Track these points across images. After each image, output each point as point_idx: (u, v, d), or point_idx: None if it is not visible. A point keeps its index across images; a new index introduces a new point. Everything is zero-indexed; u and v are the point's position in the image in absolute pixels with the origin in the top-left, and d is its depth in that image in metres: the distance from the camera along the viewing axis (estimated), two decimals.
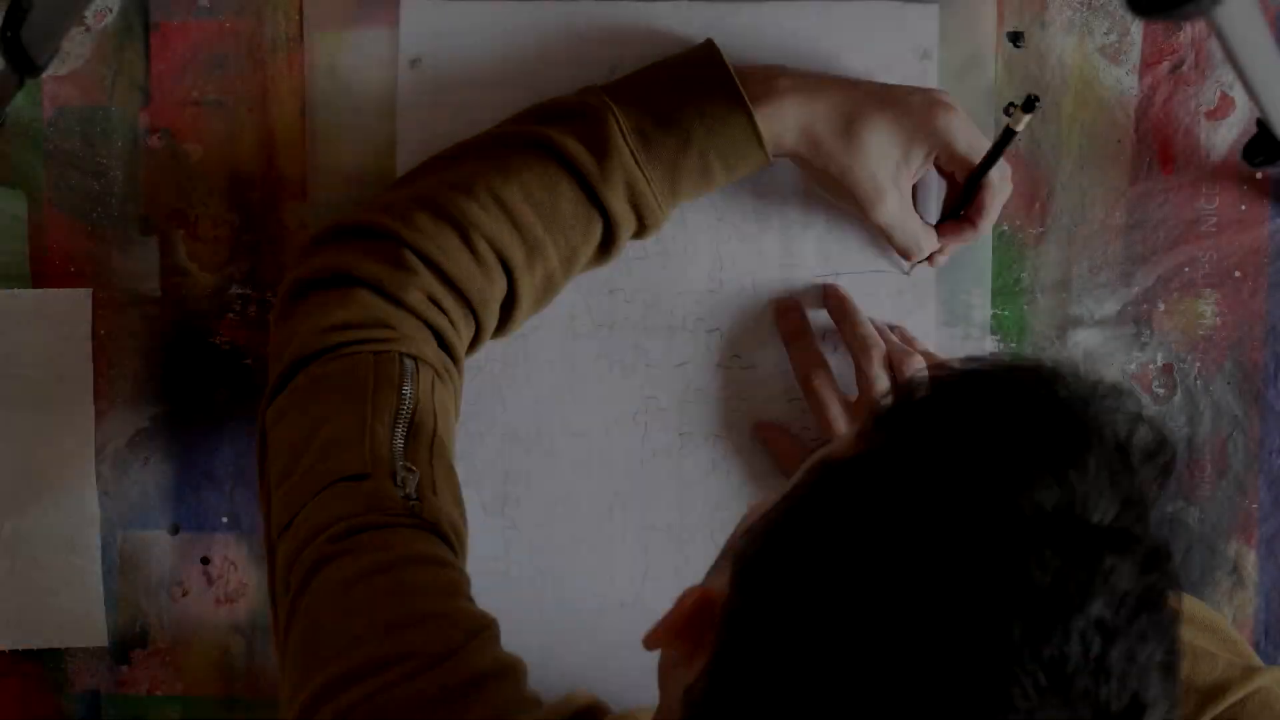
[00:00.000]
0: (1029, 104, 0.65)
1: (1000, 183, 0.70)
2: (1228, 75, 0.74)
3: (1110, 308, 0.75)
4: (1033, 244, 0.75)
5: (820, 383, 0.72)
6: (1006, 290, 0.75)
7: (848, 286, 0.75)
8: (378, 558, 0.56)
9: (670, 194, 0.67)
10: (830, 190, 0.70)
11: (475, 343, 0.68)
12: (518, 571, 0.76)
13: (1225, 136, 0.75)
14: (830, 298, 0.74)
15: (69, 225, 0.76)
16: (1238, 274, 0.75)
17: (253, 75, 0.75)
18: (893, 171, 0.67)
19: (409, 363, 0.62)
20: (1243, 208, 0.75)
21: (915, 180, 0.70)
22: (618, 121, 0.65)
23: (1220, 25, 0.50)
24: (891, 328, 0.74)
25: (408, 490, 0.58)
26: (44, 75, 0.71)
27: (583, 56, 0.74)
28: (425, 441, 0.61)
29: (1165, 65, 0.74)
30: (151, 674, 0.77)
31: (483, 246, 0.64)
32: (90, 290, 0.76)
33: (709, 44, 0.68)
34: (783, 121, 0.66)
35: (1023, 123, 0.66)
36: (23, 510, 0.76)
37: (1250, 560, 0.76)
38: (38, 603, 0.77)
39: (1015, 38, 0.74)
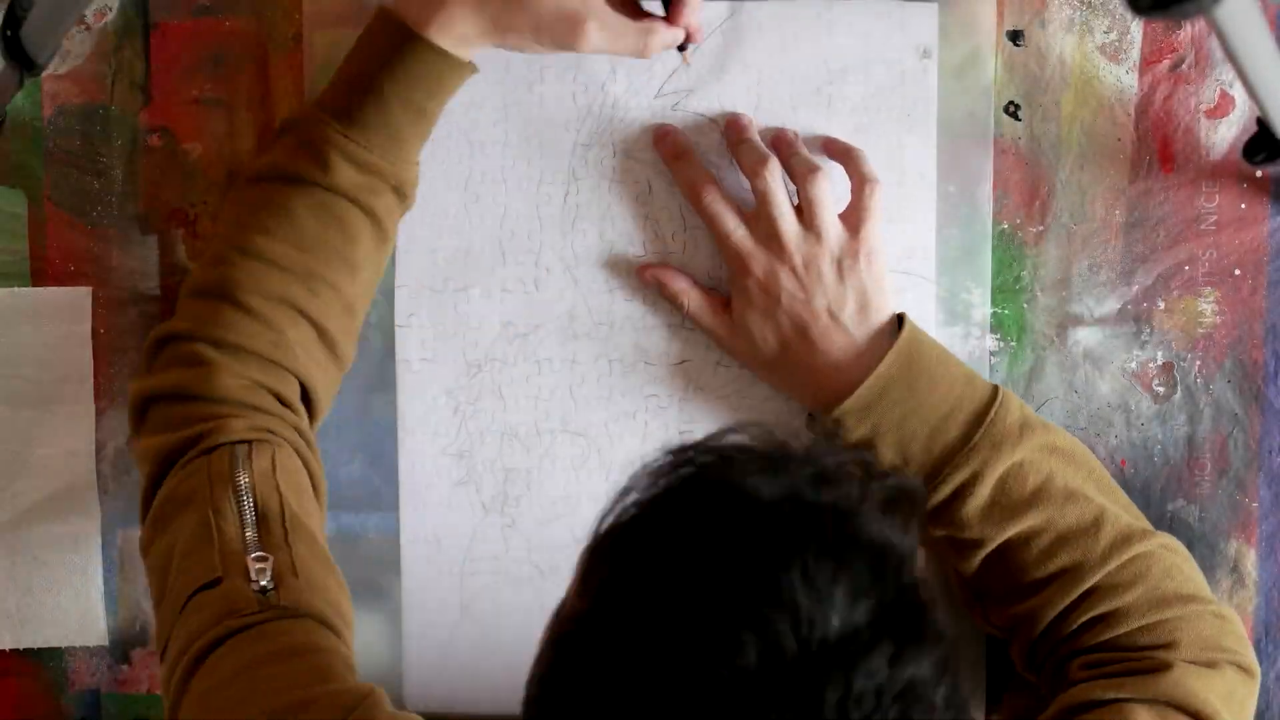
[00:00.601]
0: None
1: None
2: (1228, 74, 0.74)
3: (1110, 306, 0.75)
4: (1032, 242, 0.75)
5: (711, 198, 0.71)
6: (1006, 289, 0.75)
7: None
8: (235, 664, 0.56)
9: (398, 149, 0.67)
10: (547, 49, 0.68)
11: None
12: (517, 571, 0.76)
13: (1225, 135, 0.75)
14: (726, 126, 0.73)
15: (69, 224, 0.76)
16: (1237, 272, 0.75)
17: (253, 75, 0.75)
18: None
19: (239, 449, 0.62)
20: (1243, 206, 0.75)
21: None
22: (319, 116, 0.66)
23: (1220, 24, 0.50)
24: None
25: (262, 582, 0.58)
26: (44, 74, 0.72)
27: (583, 56, 0.74)
28: (276, 523, 0.61)
29: (1165, 64, 0.74)
30: (151, 673, 0.77)
31: (255, 302, 0.65)
32: (90, 289, 0.76)
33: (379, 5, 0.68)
34: (457, 25, 0.65)
35: None
36: (23, 509, 0.76)
37: (1250, 559, 0.76)
38: (38, 602, 0.77)
39: (1015, 36, 0.74)
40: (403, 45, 0.65)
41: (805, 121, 0.74)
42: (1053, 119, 0.75)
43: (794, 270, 0.69)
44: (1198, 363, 0.75)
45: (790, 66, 0.74)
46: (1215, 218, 0.75)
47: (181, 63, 0.75)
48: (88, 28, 0.75)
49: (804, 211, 0.70)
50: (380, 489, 0.76)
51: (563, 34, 0.66)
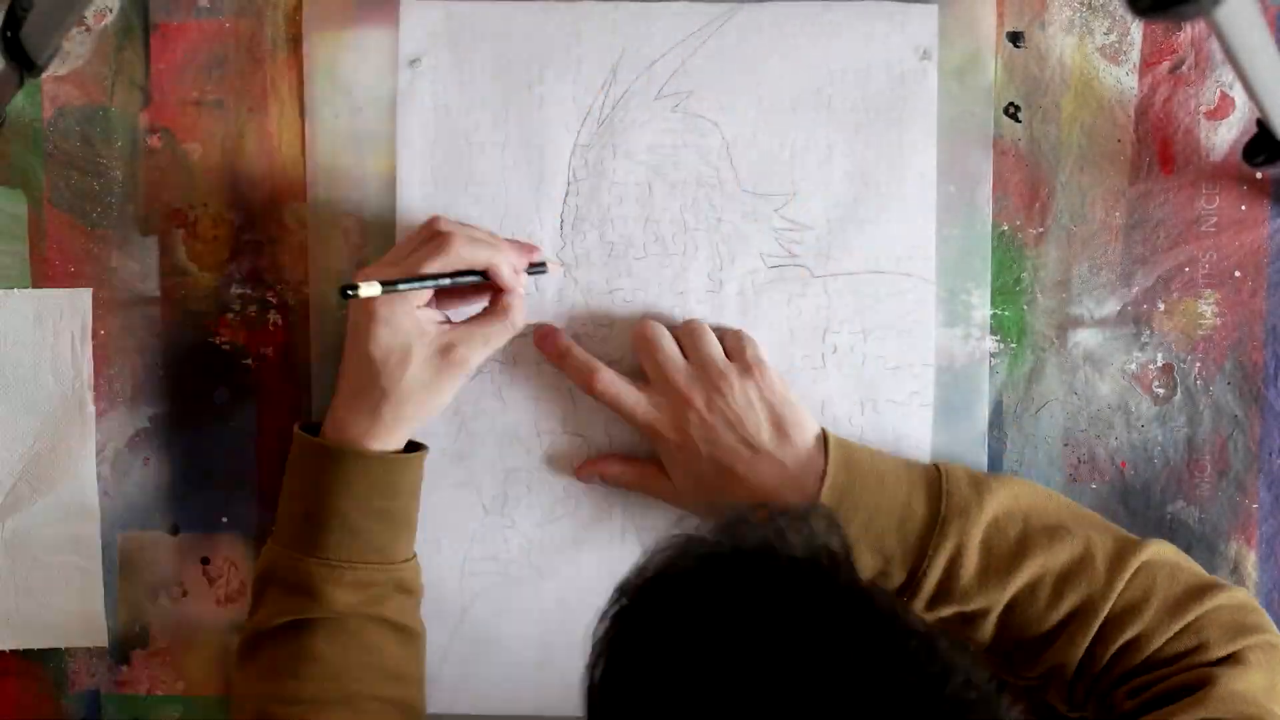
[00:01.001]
0: (345, 293, 0.65)
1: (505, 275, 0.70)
2: (1228, 75, 0.74)
3: (1110, 308, 0.75)
4: (1033, 244, 0.75)
5: (604, 382, 0.72)
6: (1006, 290, 0.75)
7: (847, 286, 0.75)
8: None
9: (382, 554, 0.69)
10: (451, 390, 0.70)
11: None
12: (517, 571, 0.76)
13: (1225, 136, 0.75)
14: (634, 336, 0.74)
15: (69, 225, 0.76)
16: (1238, 274, 0.75)
17: (253, 75, 0.75)
18: (425, 347, 0.68)
19: None
20: (1243, 208, 0.75)
21: (433, 320, 0.69)
22: (293, 552, 0.68)
23: (1220, 25, 0.50)
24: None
25: None
26: (44, 75, 0.72)
27: (583, 56, 0.75)
28: None
29: (1165, 65, 0.74)
30: (151, 674, 0.78)
31: None
32: (90, 290, 0.76)
33: (295, 432, 0.70)
34: (378, 431, 0.68)
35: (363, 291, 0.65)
36: (23, 510, 0.76)
37: (1250, 561, 0.76)
38: (38, 603, 0.77)
39: (1015, 38, 0.74)
40: (342, 464, 0.67)
41: (805, 121, 0.74)
42: (1053, 120, 0.75)
43: (701, 417, 0.70)
44: (1198, 364, 0.75)
45: (790, 67, 0.74)
46: (1215, 219, 0.75)
47: (181, 63, 0.75)
48: (88, 29, 0.75)
49: (689, 355, 0.71)
50: None
51: (447, 376, 0.69)
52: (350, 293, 0.64)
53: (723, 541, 0.47)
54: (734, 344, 0.72)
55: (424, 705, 0.72)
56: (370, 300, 0.67)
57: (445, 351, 0.68)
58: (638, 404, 0.71)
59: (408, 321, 0.67)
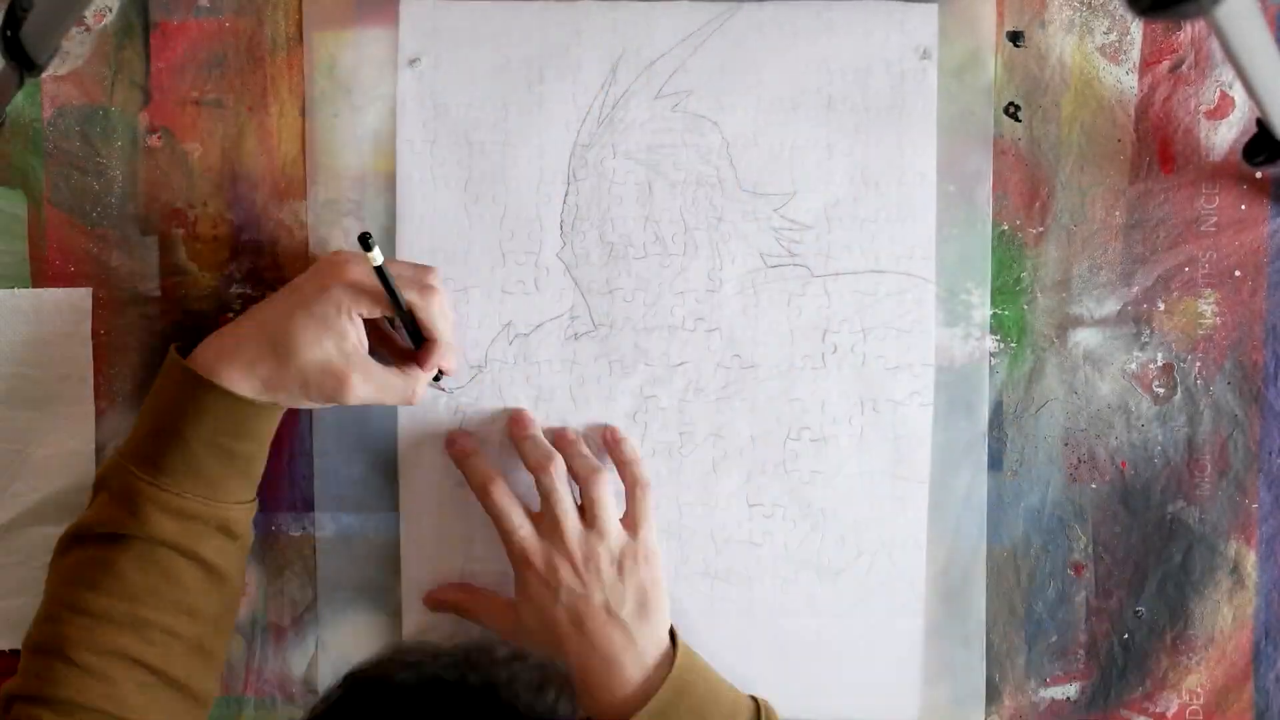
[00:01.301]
0: (365, 242, 0.65)
1: (431, 311, 0.70)
2: (1228, 75, 0.74)
3: (1110, 307, 0.75)
4: (1033, 244, 0.75)
5: (498, 494, 0.72)
6: (1006, 290, 0.75)
7: (847, 286, 0.75)
8: None
9: (214, 491, 0.68)
10: (317, 404, 0.70)
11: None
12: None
13: (1225, 136, 0.75)
14: (510, 422, 0.75)
15: (69, 225, 0.76)
16: (1238, 274, 0.75)
17: (253, 75, 0.75)
18: (335, 353, 0.68)
19: None
20: (1243, 207, 0.75)
21: (359, 340, 0.69)
22: (127, 463, 0.68)
23: (1220, 25, 0.50)
24: (611, 439, 0.75)
25: None
26: (44, 75, 0.72)
27: (583, 56, 0.75)
28: None
29: (1165, 65, 0.74)
30: None
31: (86, 657, 0.65)
32: (90, 290, 0.76)
33: (170, 351, 0.70)
34: (238, 380, 0.68)
35: (377, 256, 0.65)
36: (23, 510, 0.76)
37: (1250, 561, 0.76)
38: (38, 603, 0.76)
39: (1015, 37, 0.74)
40: (198, 392, 0.67)
41: (805, 121, 0.74)
42: (1053, 120, 0.75)
43: (574, 565, 0.70)
44: (1198, 364, 0.75)
45: (790, 66, 0.74)
46: (1215, 219, 0.75)
47: (181, 63, 0.75)
48: (88, 28, 0.75)
49: (586, 511, 0.71)
50: (380, 489, 0.76)
51: (330, 390, 0.68)
52: (369, 241, 0.64)
53: (451, 667, 0.48)
54: (632, 506, 0.73)
55: (222, 652, 0.71)
56: (337, 273, 0.67)
57: (341, 372, 0.68)
58: (520, 525, 0.71)
59: (344, 319, 0.67)
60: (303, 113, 0.75)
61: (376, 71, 0.75)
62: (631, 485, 0.73)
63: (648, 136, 0.75)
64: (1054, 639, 0.76)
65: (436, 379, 0.73)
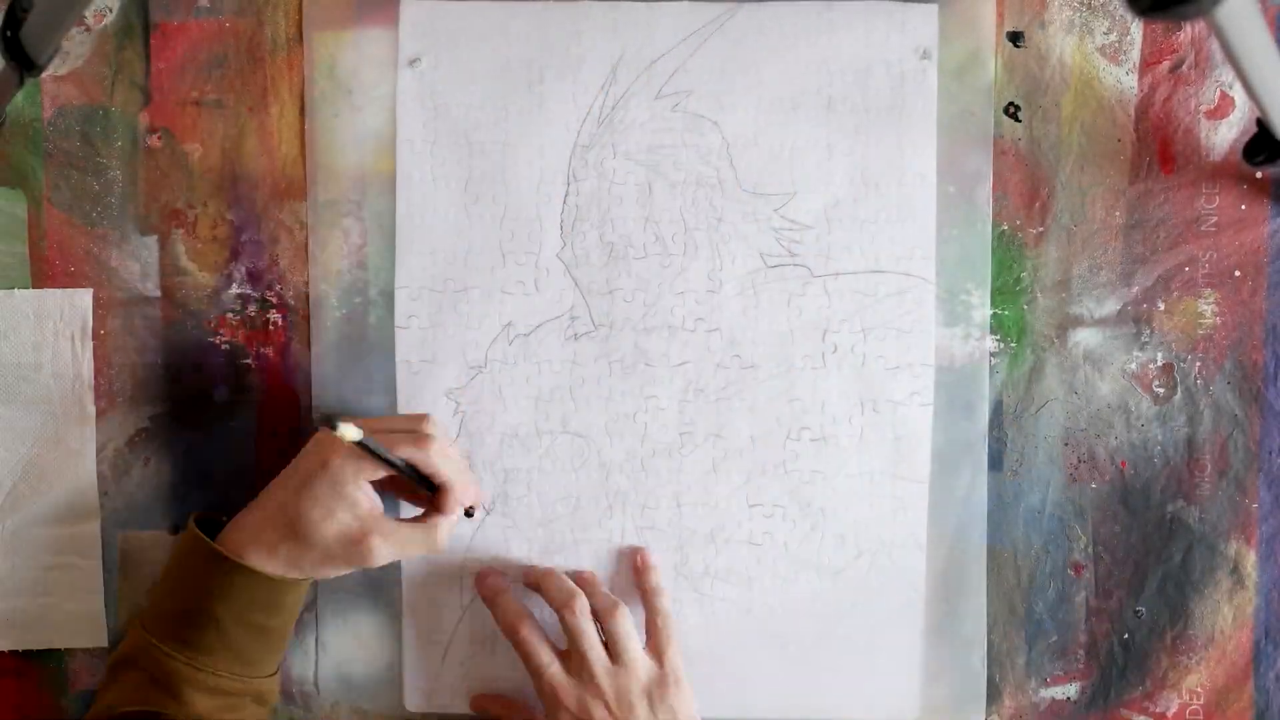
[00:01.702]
0: (330, 425, 0.60)
1: (448, 467, 0.70)
2: (1228, 75, 0.74)
3: (1110, 307, 0.75)
4: (1033, 244, 0.75)
5: (527, 632, 0.73)
6: (1006, 290, 0.75)
7: (847, 286, 0.75)
8: None
9: (249, 668, 0.69)
10: (346, 571, 0.70)
11: None
12: (518, 572, 0.76)
13: (1225, 136, 0.75)
14: (526, 574, 0.76)
15: (69, 225, 0.76)
16: (1238, 274, 0.75)
17: (253, 75, 0.75)
18: (351, 521, 0.68)
19: None
20: (1243, 207, 0.75)
21: (373, 503, 0.69)
22: (161, 644, 0.67)
23: (1220, 25, 0.50)
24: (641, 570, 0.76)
25: None
26: (44, 75, 0.72)
27: (583, 57, 0.75)
28: None
29: (1165, 65, 0.74)
30: None
31: None
32: (90, 290, 0.76)
33: (189, 525, 0.70)
34: (265, 563, 0.68)
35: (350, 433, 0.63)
36: (23, 510, 0.76)
37: (1250, 561, 0.76)
38: (38, 603, 0.77)
39: (1015, 38, 0.74)
40: (228, 573, 0.67)
41: (805, 121, 0.74)
42: (1053, 120, 0.75)
43: (607, 704, 0.71)
44: (1198, 364, 0.75)
45: (790, 67, 0.74)
46: (1215, 219, 0.75)
47: (181, 63, 0.75)
48: (88, 28, 0.75)
49: (610, 646, 0.72)
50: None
51: (353, 557, 0.68)
52: (331, 427, 0.61)
53: None
54: (655, 635, 0.73)
55: None
56: (334, 446, 0.67)
57: (360, 537, 0.68)
58: (550, 664, 0.72)
59: (350, 486, 0.68)
60: (303, 113, 0.75)
61: (376, 71, 0.75)
62: (654, 615, 0.74)
63: (648, 137, 0.75)
64: (1054, 639, 0.76)
65: (468, 513, 0.74)
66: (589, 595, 0.74)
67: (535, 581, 0.75)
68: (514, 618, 0.74)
